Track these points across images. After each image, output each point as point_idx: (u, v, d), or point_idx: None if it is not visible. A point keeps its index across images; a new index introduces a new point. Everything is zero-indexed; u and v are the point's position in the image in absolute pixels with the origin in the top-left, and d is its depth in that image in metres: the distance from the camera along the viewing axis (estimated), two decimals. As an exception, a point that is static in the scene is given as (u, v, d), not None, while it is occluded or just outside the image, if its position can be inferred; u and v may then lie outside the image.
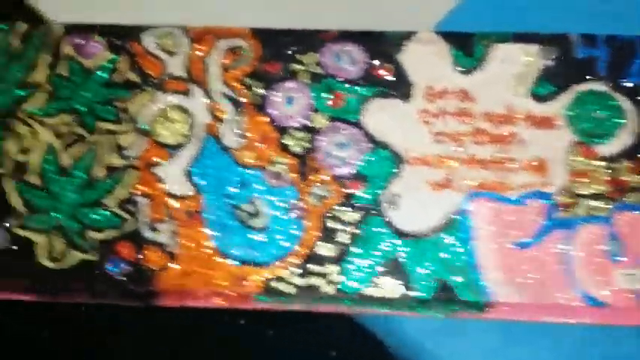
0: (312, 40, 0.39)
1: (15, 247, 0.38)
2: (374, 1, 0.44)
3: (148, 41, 0.39)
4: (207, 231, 0.38)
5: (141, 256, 0.38)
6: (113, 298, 0.38)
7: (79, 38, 0.39)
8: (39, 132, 0.39)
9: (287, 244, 0.38)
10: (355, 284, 0.37)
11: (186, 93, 0.39)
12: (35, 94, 0.39)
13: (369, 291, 0.37)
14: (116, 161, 0.38)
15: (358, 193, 0.38)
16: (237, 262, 0.38)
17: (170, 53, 0.39)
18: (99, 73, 0.39)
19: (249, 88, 0.39)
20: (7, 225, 0.38)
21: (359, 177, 0.38)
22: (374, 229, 0.37)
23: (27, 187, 0.38)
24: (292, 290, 0.37)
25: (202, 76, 0.39)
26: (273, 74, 0.39)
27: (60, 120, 0.39)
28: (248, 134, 0.38)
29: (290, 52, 0.39)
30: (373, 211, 0.38)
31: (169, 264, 0.38)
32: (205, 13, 0.43)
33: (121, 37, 0.39)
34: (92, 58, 0.39)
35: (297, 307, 0.38)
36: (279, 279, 0.37)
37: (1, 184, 0.38)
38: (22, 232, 0.38)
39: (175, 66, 0.39)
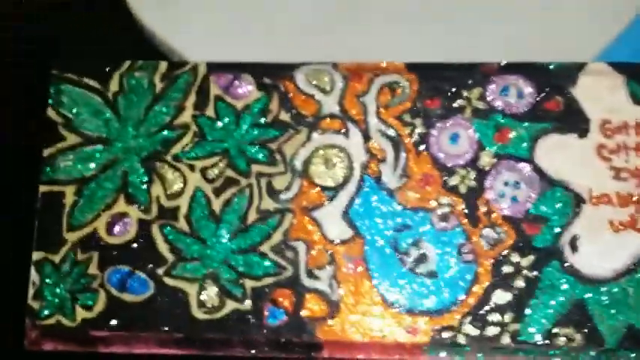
0: (473, 73, 0.40)
1: (163, 298, 0.38)
2: (529, 32, 0.45)
3: (300, 79, 0.40)
4: (371, 277, 0.38)
5: (300, 305, 0.38)
6: (271, 351, 0.38)
7: (226, 77, 0.41)
8: (187, 176, 0.39)
9: (458, 291, 0.38)
10: (534, 334, 0.37)
11: (342, 132, 0.40)
12: (182, 136, 0.40)
13: (549, 341, 0.36)
14: (271, 205, 0.39)
15: (534, 235, 0.38)
16: (404, 311, 0.38)
17: (324, 91, 0.40)
18: (249, 113, 0.40)
19: (409, 125, 0.39)
20: (155, 273, 0.38)
21: (534, 218, 0.38)
22: (553, 273, 0.37)
23: (176, 233, 0.39)
24: (465, 341, 0.37)
25: (359, 114, 0.40)
26: (434, 111, 0.40)
27: (209, 163, 0.40)
28: (410, 174, 0.39)
29: (451, 86, 0.40)
30: (551, 255, 0.38)
31: (331, 313, 0.38)
32: (351, 49, 0.44)
33: (271, 76, 0.40)
34: (241, 97, 0.40)
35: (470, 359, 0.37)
36: (451, 329, 0.37)
37: (148, 230, 0.39)
38: (170, 282, 0.38)
39: (330, 104, 0.40)
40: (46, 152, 0.42)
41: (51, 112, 0.42)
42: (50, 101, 0.42)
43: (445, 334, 0.39)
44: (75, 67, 0.43)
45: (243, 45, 0.47)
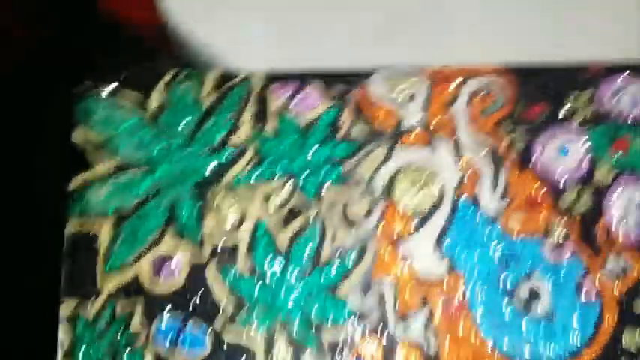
0: (578, 75, 0.34)
1: (223, 356, 0.32)
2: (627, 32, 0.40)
3: (376, 88, 0.34)
4: (475, 321, 0.32)
5: (390, 357, 0.31)
6: (358, 416, 0.31)
7: (289, 88, 0.35)
8: (246, 205, 0.33)
9: (579, 334, 0.32)
10: (677, 384, 0.31)
11: (429, 147, 0.34)
12: (238, 158, 0.34)
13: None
14: (348, 236, 0.33)
15: (668, 263, 0.32)
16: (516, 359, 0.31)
17: (404, 100, 0.34)
18: (317, 128, 0.34)
19: (508, 137, 0.34)
20: (212, 327, 0.32)
21: (666, 243, 0.32)
22: (694, 309, 0.31)
23: (235, 276, 0.33)
24: (595, 396, 0.31)
25: (448, 125, 0.34)
26: (536, 120, 0.34)
27: (272, 188, 0.34)
28: (513, 195, 0.33)
29: (554, 91, 0.34)
30: (690, 287, 0.32)
31: (429, 367, 0.31)
32: (430, 51, 0.38)
33: (342, 85, 0.35)
34: (307, 111, 0.34)
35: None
36: (576, 381, 0.31)
37: (201, 273, 0.33)
38: (231, 337, 0.32)
39: (412, 115, 0.34)
40: (74, 183, 0.36)
41: (79, 135, 0.36)
42: (77, 122, 0.36)
43: (569, 388, 0.33)
44: (106, 81, 0.37)
45: (304, 52, 0.41)
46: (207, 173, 0.35)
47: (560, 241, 0.34)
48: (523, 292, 0.33)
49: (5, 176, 0.36)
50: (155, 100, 0.36)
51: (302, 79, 0.36)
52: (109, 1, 0.67)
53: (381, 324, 0.33)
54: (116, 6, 0.67)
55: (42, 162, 0.37)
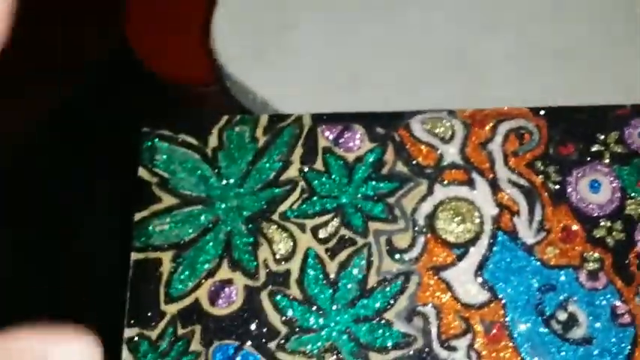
0: (606, 116, 0.37)
1: (277, 376, 0.34)
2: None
3: (417, 128, 0.37)
4: (516, 347, 0.34)
5: (436, 382, 0.33)
6: None
7: (336, 129, 0.38)
8: (297, 236, 0.36)
9: (616, 358, 0.33)
10: None
11: (468, 183, 0.36)
12: (289, 193, 0.37)
13: None
14: (393, 266, 0.35)
15: (699, 291, 0.34)
16: (557, 385, 0.33)
17: (444, 140, 0.37)
18: (362, 165, 0.37)
19: (542, 174, 0.36)
20: (266, 348, 0.34)
21: (697, 272, 0.34)
22: None
23: (288, 301, 0.35)
24: (633, 419, 0.32)
25: (485, 163, 0.37)
26: (569, 157, 0.36)
27: (321, 221, 0.36)
28: (548, 227, 0.35)
29: (585, 131, 0.37)
30: None
31: (472, 390, 0.33)
32: (460, 97, 0.41)
33: (384, 125, 0.38)
34: (353, 149, 0.37)
35: None
36: (614, 404, 0.33)
37: (256, 299, 0.35)
38: (285, 357, 0.34)
39: (452, 154, 0.37)
40: (139, 216, 0.39)
41: (144, 173, 0.40)
42: (142, 160, 0.40)
43: (608, 411, 0.34)
44: (168, 125, 0.41)
45: (346, 96, 0.44)
46: (261, 207, 0.38)
47: (595, 271, 0.36)
48: (561, 317, 0.35)
49: (78, 209, 0.39)
50: (213, 141, 0.39)
51: (348, 120, 0.39)
52: (158, 65, 0.71)
53: (427, 348, 0.35)
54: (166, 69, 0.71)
55: (110, 195, 0.40)
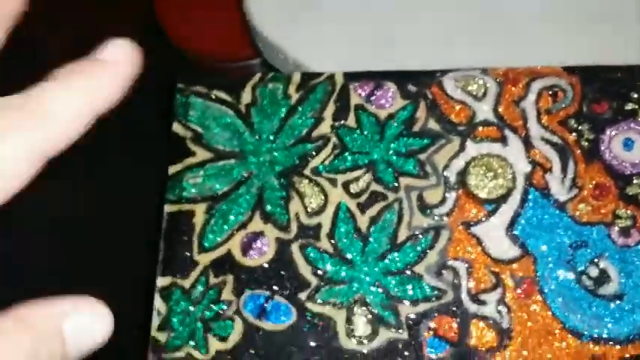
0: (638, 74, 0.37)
1: (307, 326, 0.35)
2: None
3: (449, 85, 0.38)
4: (546, 301, 0.34)
5: (465, 335, 0.34)
6: (433, 387, 0.34)
7: (368, 86, 0.38)
8: (328, 191, 0.37)
9: (648, 316, 0.34)
10: None
11: (500, 140, 0.37)
12: (321, 149, 0.38)
13: None
14: (424, 221, 0.36)
15: None
16: (587, 340, 0.34)
17: (476, 97, 0.38)
18: (394, 122, 0.38)
19: (575, 131, 0.37)
20: (297, 299, 0.35)
21: None
22: None
23: (318, 254, 0.36)
24: (664, 374, 0.33)
25: (518, 120, 0.37)
26: (602, 115, 0.37)
27: (352, 176, 0.37)
28: (581, 184, 0.36)
29: (619, 89, 0.37)
30: None
31: (502, 343, 0.34)
32: (493, 56, 0.42)
33: (417, 83, 0.38)
34: (385, 106, 0.38)
35: (672, 396, 0.33)
36: (644, 360, 0.33)
37: (288, 251, 0.36)
38: (315, 307, 0.35)
39: (485, 111, 0.38)
40: (173, 169, 0.40)
41: (177, 127, 0.41)
42: (177, 115, 0.41)
43: (638, 366, 0.35)
44: (202, 80, 0.42)
45: (379, 57, 0.45)
46: (293, 162, 0.39)
47: (627, 228, 0.36)
48: (592, 273, 0.36)
49: (114, 163, 0.41)
50: (246, 97, 0.40)
51: (380, 78, 0.40)
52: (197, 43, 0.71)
53: (456, 302, 0.36)
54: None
55: (145, 149, 0.41)
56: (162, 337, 0.37)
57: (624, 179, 0.37)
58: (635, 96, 0.38)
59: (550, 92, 0.38)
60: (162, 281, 0.37)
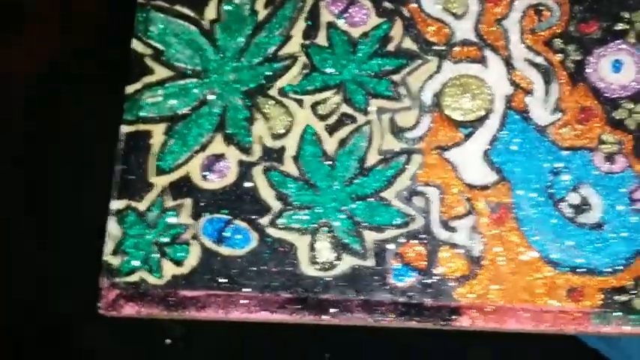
0: (634, -5, 0.36)
1: (267, 251, 0.34)
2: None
3: (427, 2, 0.37)
4: (521, 229, 0.34)
5: (434, 263, 0.34)
6: (397, 317, 0.34)
7: (340, 3, 0.38)
8: (295, 112, 0.36)
9: (631, 245, 0.33)
10: None
11: (480, 61, 0.36)
12: (289, 68, 0.37)
13: None
14: (395, 145, 0.35)
15: None
16: (564, 270, 0.33)
17: (456, 15, 0.37)
18: (367, 41, 0.37)
19: (561, 52, 0.36)
20: (258, 224, 0.35)
21: None
22: None
23: (282, 177, 0.35)
24: (644, 307, 0.32)
25: (499, 40, 0.37)
26: (590, 35, 0.36)
27: (321, 97, 0.37)
28: (565, 108, 0.35)
29: (609, 8, 0.36)
30: None
31: (472, 272, 0.34)
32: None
33: (394, 0, 0.37)
34: (358, 24, 0.37)
35: (652, 330, 0.33)
36: (624, 291, 0.33)
37: (250, 174, 0.36)
38: (276, 233, 0.35)
39: (464, 30, 0.37)
40: (131, 88, 0.39)
41: (136, 44, 0.40)
42: (136, 31, 0.40)
43: (619, 298, 0.34)
44: (165, -3, 0.41)
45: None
46: (258, 82, 0.38)
47: (613, 153, 0.35)
48: (573, 201, 0.35)
49: (66, 81, 0.40)
50: (211, 13, 0.40)
51: (355, -6, 0.39)
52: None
53: (426, 229, 0.35)
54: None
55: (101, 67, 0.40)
56: (115, 261, 0.36)
57: (612, 103, 0.36)
58: (627, 16, 0.37)
59: (535, 11, 0.38)
60: (116, 204, 0.37)
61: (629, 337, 0.44)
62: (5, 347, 0.62)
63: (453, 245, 0.35)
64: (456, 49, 0.38)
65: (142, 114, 0.38)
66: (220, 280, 0.35)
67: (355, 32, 0.38)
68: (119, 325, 0.38)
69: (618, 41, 0.37)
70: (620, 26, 0.37)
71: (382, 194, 0.36)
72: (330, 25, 0.39)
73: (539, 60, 0.37)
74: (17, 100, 0.49)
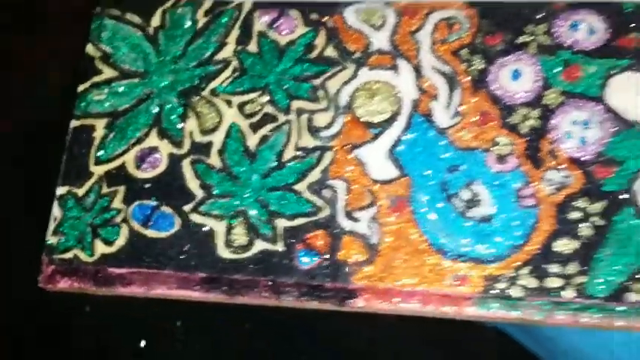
0: (539, 10, 0.40)
1: (188, 235, 0.39)
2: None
3: (350, 15, 0.42)
4: (416, 220, 0.37)
5: (336, 248, 0.38)
6: (301, 297, 0.38)
7: (272, 14, 0.42)
8: (223, 111, 0.41)
9: (515, 238, 0.37)
10: (602, 288, 0.35)
11: (392, 68, 0.40)
12: (221, 71, 0.42)
13: (619, 297, 0.35)
14: (310, 142, 0.40)
15: (605, 178, 0.37)
16: (453, 258, 0.37)
17: (374, 27, 0.41)
18: (293, 48, 0.41)
19: (466, 62, 0.40)
20: (181, 210, 0.39)
21: (606, 161, 0.37)
22: (626, 221, 0.36)
23: (207, 169, 0.40)
24: (522, 294, 0.36)
25: (411, 49, 0.41)
26: (494, 47, 0.40)
27: (247, 98, 0.41)
28: (465, 112, 0.39)
29: (514, 23, 0.40)
30: (624, 201, 0.36)
31: (370, 258, 0.37)
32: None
33: (320, 12, 0.42)
34: (286, 33, 0.42)
35: (528, 315, 0.36)
36: (505, 279, 0.36)
37: (178, 165, 0.40)
38: (197, 218, 0.39)
39: (380, 40, 0.41)
40: (81, 87, 0.45)
41: (90, 48, 0.45)
42: (90, 37, 0.46)
43: (498, 285, 0.37)
44: (119, 4, 0.46)
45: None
46: (193, 83, 0.43)
47: (505, 154, 0.39)
48: (465, 197, 0.39)
49: (27, 81, 0.45)
50: (156, 20, 0.45)
51: (284, 6, 0.44)
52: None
53: (331, 218, 0.39)
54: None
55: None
56: (54, 240, 0.41)
57: (508, 109, 0.40)
58: (530, 29, 0.41)
59: (447, 24, 0.42)
60: (60, 190, 0.42)
61: (552, 331, 0.47)
62: (5, 347, 0.67)
63: (355, 233, 0.39)
64: (372, 57, 0.42)
65: (88, 110, 0.43)
66: (145, 259, 0.40)
67: (283, 40, 0.43)
68: (119, 325, 0.43)
69: (519, 52, 0.40)
70: (522, 39, 0.41)
71: (295, 187, 0.40)
72: (261, 34, 0.43)
73: (445, 68, 0.41)
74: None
